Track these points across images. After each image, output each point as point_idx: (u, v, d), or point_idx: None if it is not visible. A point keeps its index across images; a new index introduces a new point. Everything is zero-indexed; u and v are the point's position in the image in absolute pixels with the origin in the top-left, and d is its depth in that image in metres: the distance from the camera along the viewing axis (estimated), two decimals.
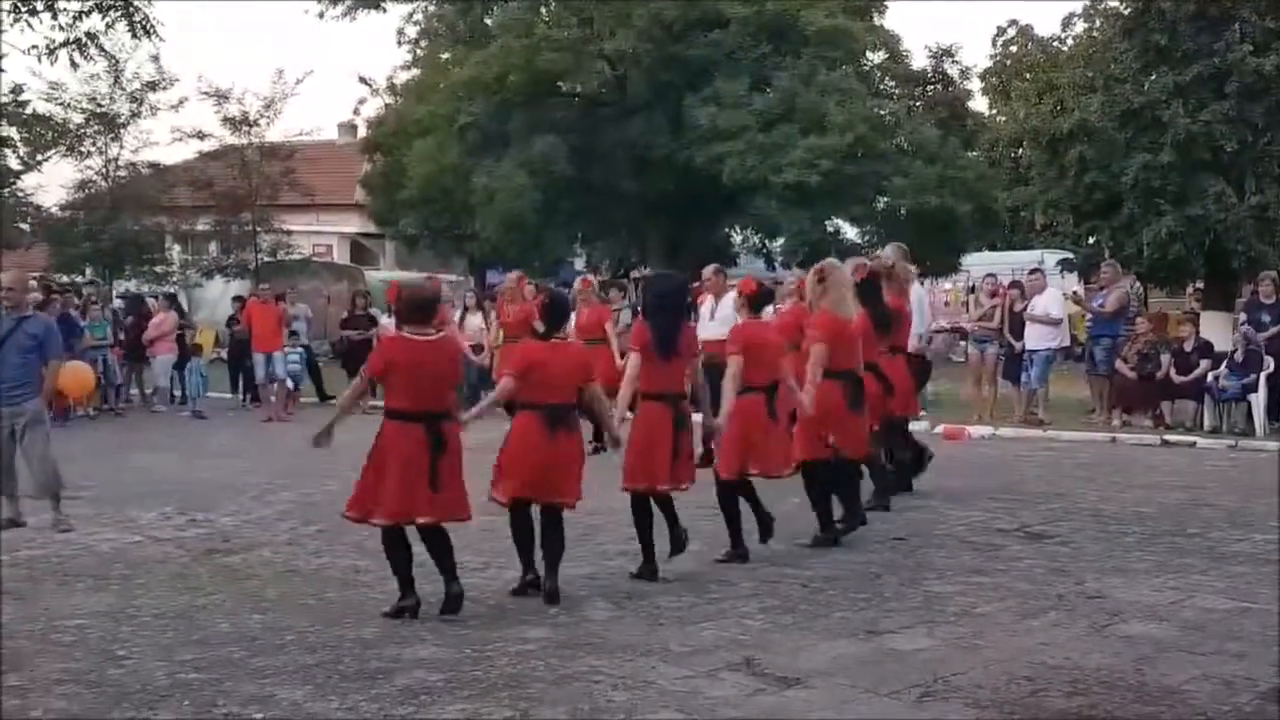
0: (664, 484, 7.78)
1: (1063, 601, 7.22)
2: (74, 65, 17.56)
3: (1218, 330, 18.39)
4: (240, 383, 20.87)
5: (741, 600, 7.36)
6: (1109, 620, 6.80)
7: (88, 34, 17.15)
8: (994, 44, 38.91)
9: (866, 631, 6.65)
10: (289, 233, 30.04)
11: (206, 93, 27.36)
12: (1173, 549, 8.66)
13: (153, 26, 17.22)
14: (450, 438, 7.04)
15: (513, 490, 7.37)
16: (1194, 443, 14.28)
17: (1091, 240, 27.95)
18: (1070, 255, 27.90)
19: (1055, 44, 36.95)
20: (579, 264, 35.07)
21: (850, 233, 28.99)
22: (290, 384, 19.43)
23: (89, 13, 16.99)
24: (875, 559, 8.40)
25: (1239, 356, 14.83)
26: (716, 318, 12.56)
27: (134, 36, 17.23)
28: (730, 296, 10.69)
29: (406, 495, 6.94)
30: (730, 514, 8.39)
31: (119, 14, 16.78)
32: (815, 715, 5.44)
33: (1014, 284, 17.28)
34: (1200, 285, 25.77)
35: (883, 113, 27.83)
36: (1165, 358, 15.43)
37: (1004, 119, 33.99)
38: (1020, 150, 32.16)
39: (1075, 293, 18.12)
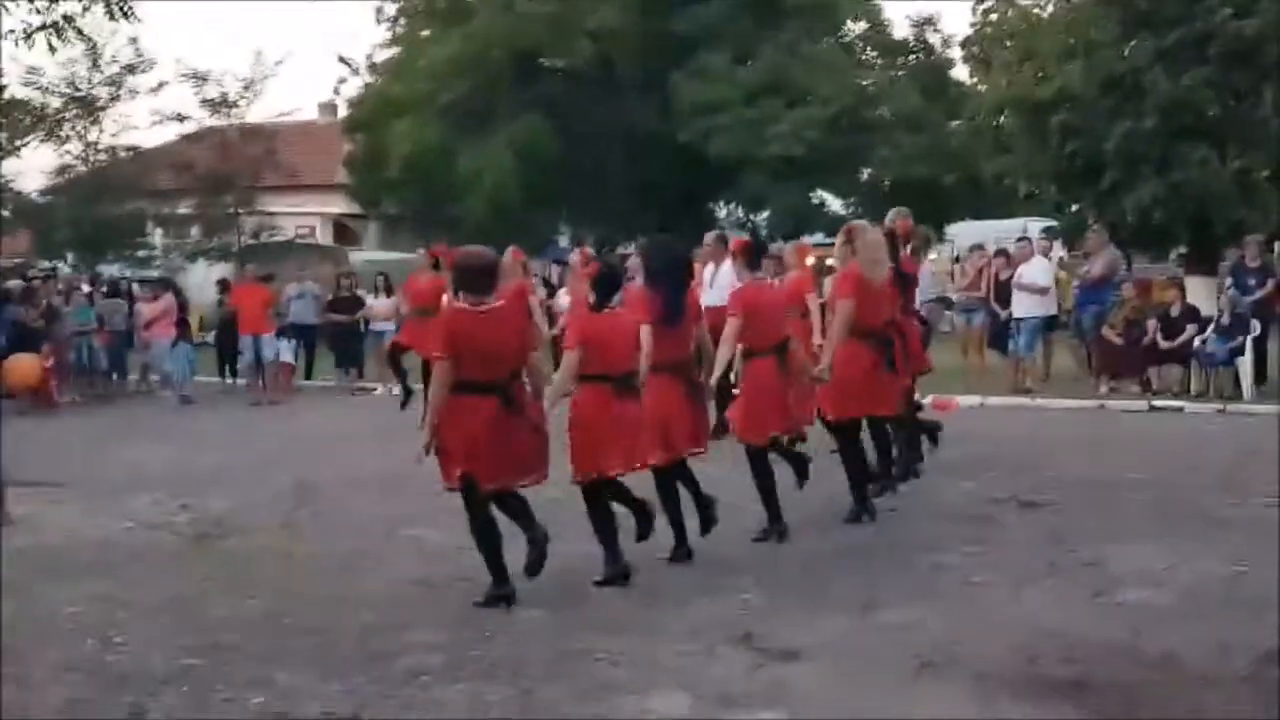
0: (686, 447, 7.65)
1: (1058, 570, 7.23)
2: (51, 49, 17.33)
3: (1201, 295, 18.39)
4: (228, 366, 20.83)
5: (739, 576, 7.33)
6: (1105, 588, 6.82)
7: (65, 17, 16.94)
8: (974, 12, 38.77)
9: (864, 605, 6.64)
10: (271, 214, 29.95)
11: (186, 75, 27.26)
12: (1166, 515, 8.67)
13: (130, 8, 17.02)
14: (524, 403, 6.85)
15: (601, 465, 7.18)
16: (1181, 408, 14.32)
17: (1073, 208, 28.00)
18: (1053, 223, 27.90)
19: (1035, 10, 36.85)
20: (564, 242, 35.01)
21: (835, 205, 28.98)
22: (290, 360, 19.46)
23: None
24: (870, 532, 8.39)
25: (1225, 321, 14.85)
26: (716, 285, 12.48)
27: (111, 19, 17.03)
28: (728, 264, 10.62)
29: (496, 464, 6.75)
30: (764, 482, 8.16)
31: None
32: (815, 688, 5.46)
33: (1000, 252, 17.28)
34: (1183, 251, 25.81)
35: (866, 83, 27.80)
36: (1152, 323, 15.44)
37: (984, 88, 33.88)
38: (1000, 119, 32.11)
39: (1062, 259, 18.13)
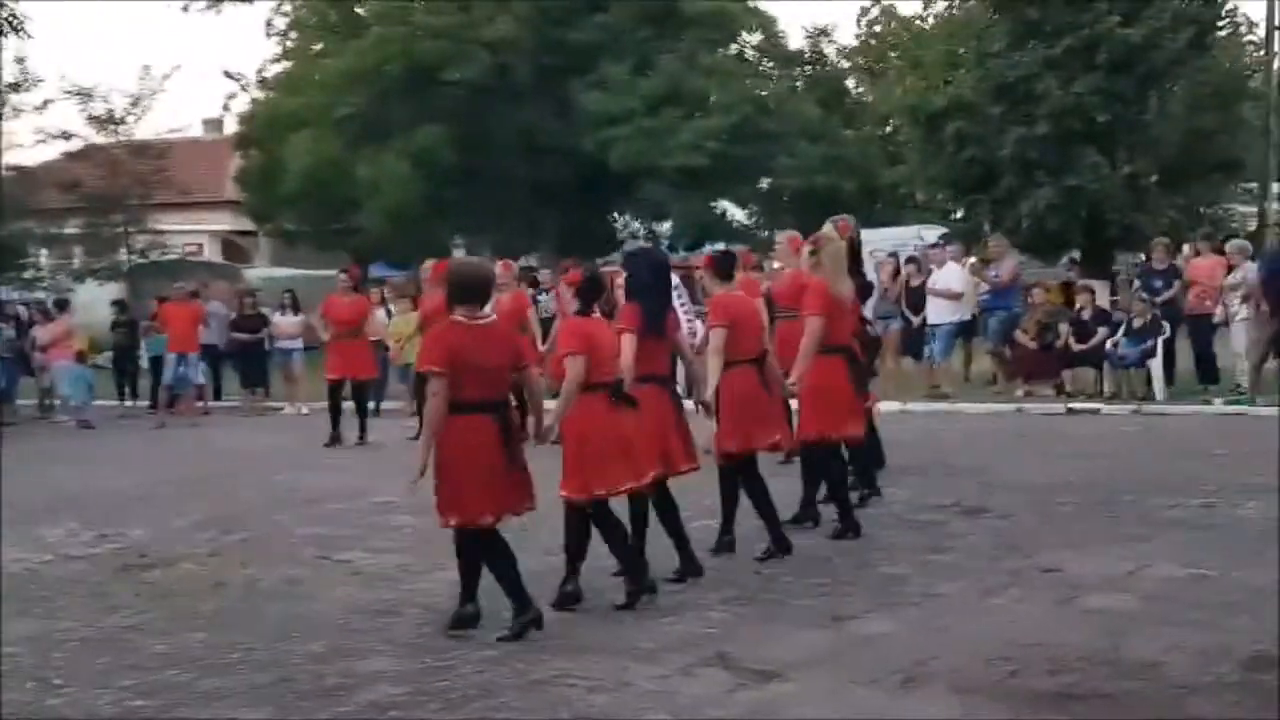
0: (684, 464, 7.43)
1: (1019, 578, 7.22)
2: None
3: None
4: (127, 389, 20.29)
5: (698, 592, 7.22)
6: (1070, 595, 6.81)
7: None
8: (858, 24, 39.31)
9: (831, 618, 6.57)
10: (160, 233, 29.26)
11: (70, 91, 26.53)
12: (1110, 519, 8.74)
13: (21, 23, 16.56)
14: (516, 425, 6.57)
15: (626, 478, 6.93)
16: (1098, 410, 14.55)
17: (959, 214, 28.41)
18: (945, 230, 28.26)
19: (918, 22, 37.40)
20: (459, 254, 34.70)
21: (737, 214, 29.08)
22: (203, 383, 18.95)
23: None
24: (821, 541, 8.32)
25: (1136, 323, 15.09)
26: None
27: (1, 34, 16.52)
28: None
29: (493, 491, 6.41)
30: (729, 494, 8.06)
31: None
32: (802, 709, 5.35)
33: (910, 259, 17.40)
34: (1075, 256, 26.29)
35: (764, 93, 27.95)
36: (1064, 327, 15.65)
37: (872, 98, 34.30)
38: (888, 127, 32.53)
39: (973, 264, 18.34)
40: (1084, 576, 7.15)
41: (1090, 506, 9.16)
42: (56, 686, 6.11)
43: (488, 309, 6.77)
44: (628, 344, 7.16)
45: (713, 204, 27.95)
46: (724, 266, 8.17)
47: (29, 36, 16.92)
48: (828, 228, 8.93)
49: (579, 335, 6.94)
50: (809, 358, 8.23)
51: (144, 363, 20.24)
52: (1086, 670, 5.59)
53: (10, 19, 16.39)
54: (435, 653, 6.34)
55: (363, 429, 14.75)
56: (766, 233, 28.08)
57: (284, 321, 19.18)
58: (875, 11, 38.85)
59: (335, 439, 14.51)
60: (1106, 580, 7.05)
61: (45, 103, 26.32)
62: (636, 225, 31.07)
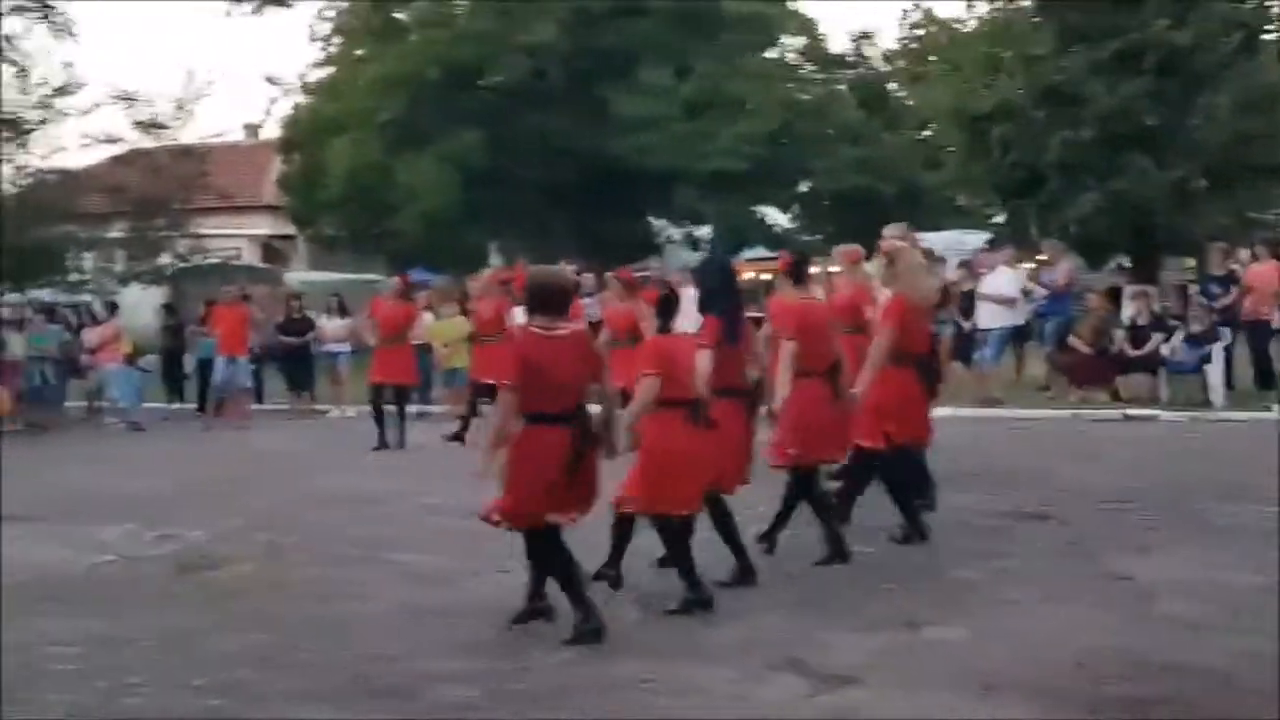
0: (735, 485, 7.39)
1: (1091, 584, 7.14)
2: None
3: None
4: (174, 391, 20.40)
5: (759, 595, 7.18)
6: (1143, 602, 6.74)
7: (5, 37, 16.53)
8: (899, 27, 39.15)
9: (902, 624, 6.52)
10: (203, 237, 29.37)
11: (116, 96, 26.60)
12: (1176, 525, 8.64)
13: (70, 26, 16.67)
14: (592, 440, 6.44)
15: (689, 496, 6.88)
16: (1155, 416, 14.39)
17: (999, 220, 28.23)
18: (989, 235, 28.10)
19: (957, 25, 37.21)
20: (494, 260, 34.75)
21: (777, 218, 28.99)
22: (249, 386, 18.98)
23: (6, 13, 16.40)
24: (884, 547, 8.24)
25: (1194, 329, 14.92)
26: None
27: (54, 37, 16.62)
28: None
29: (554, 498, 6.31)
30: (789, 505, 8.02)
31: (38, 16, 16.20)
32: (881, 714, 5.32)
33: (962, 263, 17.29)
34: (1122, 262, 26.11)
35: (805, 97, 27.86)
36: (1119, 332, 15.51)
37: (912, 101, 34.16)
38: (926, 131, 32.36)
39: (1032, 269, 18.23)
40: (1156, 583, 7.07)
41: (1155, 513, 9.05)
42: (132, 686, 6.10)
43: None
44: (704, 360, 7.05)
45: (752, 209, 27.86)
46: (800, 271, 8.09)
47: (76, 38, 16.91)
48: (891, 231, 8.87)
49: (658, 355, 6.85)
50: (876, 369, 8.10)
51: (190, 366, 20.28)
52: (1163, 678, 5.52)
53: (61, 22, 16.42)
54: (506, 654, 6.33)
55: (401, 434, 14.76)
56: (808, 237, 28.00)
57: (330, 325, 19.25)
58: (916, 14, 38.70)
59: (383, 443, 14.53)
60: (1178, 587, 6.97)
61: (92, 106, 26.38)
62: (673, 231, 31.05)
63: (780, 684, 5.71)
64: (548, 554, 6.54)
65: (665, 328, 7.03)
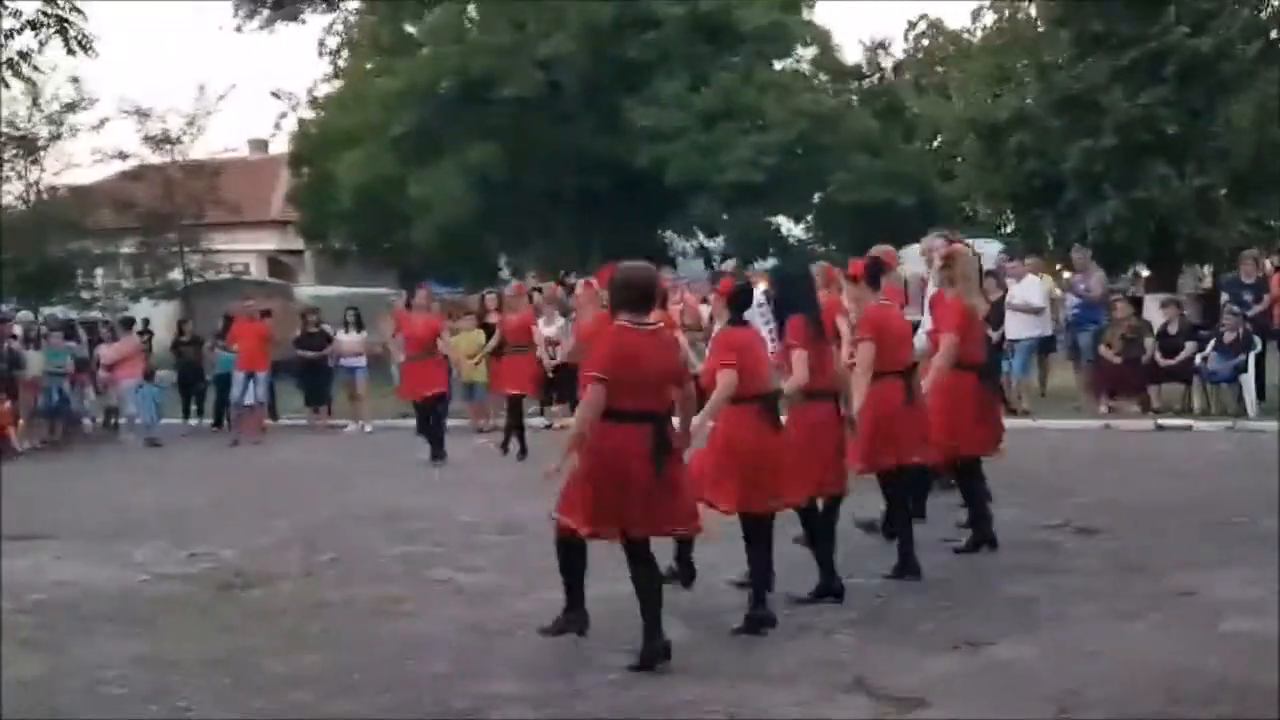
0: (837, 488, 7.26)
1: (1155, 601, 6.95)
2: (6, 85, 16.84)
3: (1160, 313, 18.21)
4: (191, 406, 20.29)
5: (819, 614, 7.00)
6: (1213, 619, 6.54)
7: (20, 53, 16.46)
8: (905, 38, 39.08)
9: (966, 643, 6.34)
10: (212, 252, 29.34)
11: (127, 111, 26.62)
12: (1230, 540, 8.39)
13: (89, 42, 16.58)
14: (674, 440, 6.22)
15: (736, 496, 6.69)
16: (1190, 426, 14.19)
17: (1010, 229, 28.11)
18: (1002, 245, 27.95)
19: (965, 35, 37.17)
20: (505, 273, 34.67)
21: (795, 230, 28.92)
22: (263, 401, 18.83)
23: (21, 30, 16.32)
24: (935, 562, 8.03)
25: (1226, 338, 14.74)
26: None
27: (69, 53, 16.54)
28: None
29: (629, 509, 6.04)
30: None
31: (54, 31, 16.12)
32: None
33: (989, 273, 17.08)
34: (1142, 270, 26.00)
35: (820, 107, 27.80)
36: (1150, 341, 15.34)
37: (918, 111, 34.10)
38: (937, 140, 32.26)
39: (1065, 278, 18.03)
40: (1222, 600, 6.88)
41: (1205, 527, 8.82)
42: (183, 709, 5.96)
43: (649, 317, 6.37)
44: (800, 361, 6.92)
45: (767, 219, 27.77)
46: (876, 275, 7.93)
47: (96, 54, 16.82)
48: (937, 241, 8.73)
49: (732, 348, 6.71)
50: (941, 375, 8.00)
51: (209, 376, 20.17)
52: (1247, 700, 5.36)
53: (79, 38, 16.34)
54: (562, 676, 6.19)
55: (439, 446, 14.62)
56: (824, 248, 27.92)
57: (347, 339, 19.09)
58: (922, 25, 38.68)
59: (440, 454, 14.39)
60: (1246, 605, 6.74)
61: (102, 122, 26.39)
62: (685, 244, 30.99)
63: (847, 705, 5.52)
64: (563, 556, 6.45)
65: (736, 320, 6.90)
